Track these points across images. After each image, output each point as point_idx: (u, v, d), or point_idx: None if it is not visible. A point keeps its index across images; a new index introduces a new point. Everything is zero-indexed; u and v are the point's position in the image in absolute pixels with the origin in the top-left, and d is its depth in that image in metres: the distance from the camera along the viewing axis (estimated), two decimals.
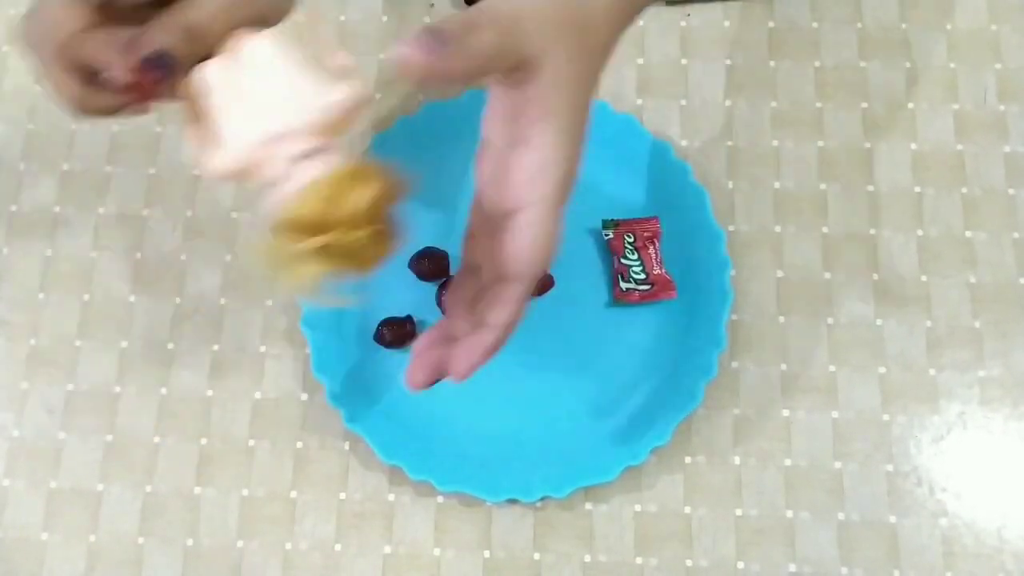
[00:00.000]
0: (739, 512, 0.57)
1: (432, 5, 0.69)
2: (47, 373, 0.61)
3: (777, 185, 0.63)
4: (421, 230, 0.62)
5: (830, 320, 0.61)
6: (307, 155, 0.40)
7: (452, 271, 0.61)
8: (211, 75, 0.41)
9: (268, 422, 0.60)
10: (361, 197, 0.38)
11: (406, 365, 0.59)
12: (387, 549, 0.57)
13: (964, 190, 0.63)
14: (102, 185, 0.65)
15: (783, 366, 0.60)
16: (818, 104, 0.65)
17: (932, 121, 0.65)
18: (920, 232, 0.62)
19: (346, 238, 0.38)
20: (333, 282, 0.40)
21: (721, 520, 0.57)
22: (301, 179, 0.39)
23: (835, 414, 0.59)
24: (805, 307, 0.61)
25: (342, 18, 0.68)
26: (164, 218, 0.64)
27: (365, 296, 0.46)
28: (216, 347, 0.62)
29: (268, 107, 0.41)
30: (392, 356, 0.60)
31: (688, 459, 0.58)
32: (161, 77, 0.38)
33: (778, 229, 0.63)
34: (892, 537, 0.57)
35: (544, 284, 0.60)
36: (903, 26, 0.67)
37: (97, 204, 0.65)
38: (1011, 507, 0.57)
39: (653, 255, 0.61)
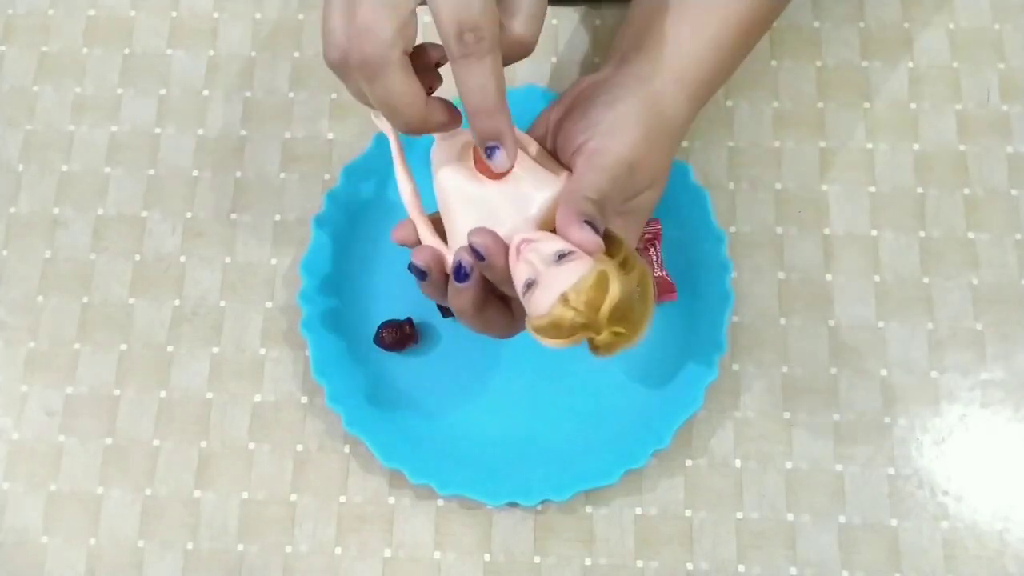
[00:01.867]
0: (740, 515, 0.57)
1: None
2: (46, 376, 0.61)
3: (778, 186, 0.63)
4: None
5: (831, 322, 0.60)
6: (562, 257, 0.41)
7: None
8: (446, 180, 0.45)
9: (268, 425, 0.60)
10: (616, 296, 0.40)
11: (406, 368, 0.59)
12: (387, 552, 0.57)
13: (967, 191, 0.63)
14: (101, 186, 0.65)
15: (784, 368, 0.60)
16: (820, 104, 0.65)
17: (934, 121, 0.64)
18: (922, 233, 0.62)
19: (605, 337, 0.41)
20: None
21: (722, 523, 0.57)
22: (560, 282, 0.41)
23: (836, 416, 0.59)
24: (806, 309, 0.61)
25: None
26: (163, 219, 0.64)
27: None
28: (216, 349, 0.61)
29: (503, 207, 0.44)
30: (392, 358, 0.60)
31: (689, 462, 0.58)
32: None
33: (779, 230, 0.62)
34: (893, 540, 0.57)
35: None
36: (905, 25, 0.66)
37: (96, 205, 0.65)
38: (1013, 510, 0.57)
39: (654, 257, 0.61)
